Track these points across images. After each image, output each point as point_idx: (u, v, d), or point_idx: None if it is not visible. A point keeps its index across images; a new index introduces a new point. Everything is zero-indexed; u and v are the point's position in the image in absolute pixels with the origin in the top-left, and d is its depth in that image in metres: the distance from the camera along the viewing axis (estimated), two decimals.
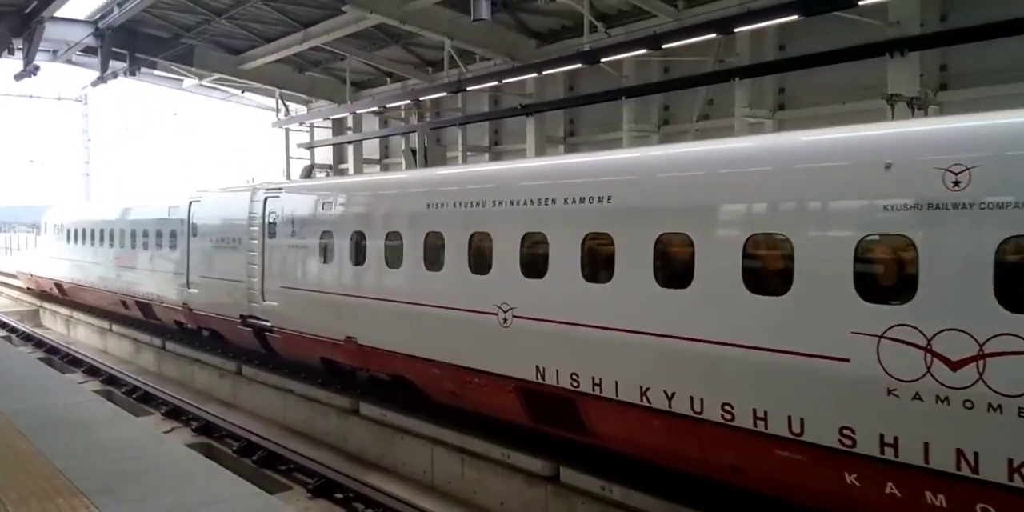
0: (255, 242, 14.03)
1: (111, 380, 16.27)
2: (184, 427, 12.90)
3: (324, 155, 30.45)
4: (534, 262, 8.76)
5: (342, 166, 29.78)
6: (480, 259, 9.45)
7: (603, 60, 16.34)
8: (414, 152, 20.27)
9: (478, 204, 9.54)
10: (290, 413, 13.16)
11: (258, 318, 13.95)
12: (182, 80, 30.47)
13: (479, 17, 14.53)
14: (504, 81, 19.02)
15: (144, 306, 18.82)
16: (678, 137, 17.99)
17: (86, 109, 46.52)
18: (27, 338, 21.61)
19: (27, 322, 24.79)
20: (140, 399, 14.67)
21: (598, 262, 8.18)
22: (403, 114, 26.05)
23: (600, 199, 8.05)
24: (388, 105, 24.10)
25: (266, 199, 13.94)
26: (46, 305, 26.14)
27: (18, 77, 23.10)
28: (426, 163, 19.56)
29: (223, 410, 13.92)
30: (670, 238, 7.50)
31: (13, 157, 77.53)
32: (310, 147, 30.22)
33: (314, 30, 22.04)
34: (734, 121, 16.12)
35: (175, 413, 13.53)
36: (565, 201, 8.39)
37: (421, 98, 22.55)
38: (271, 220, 13.72)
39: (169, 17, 23.69)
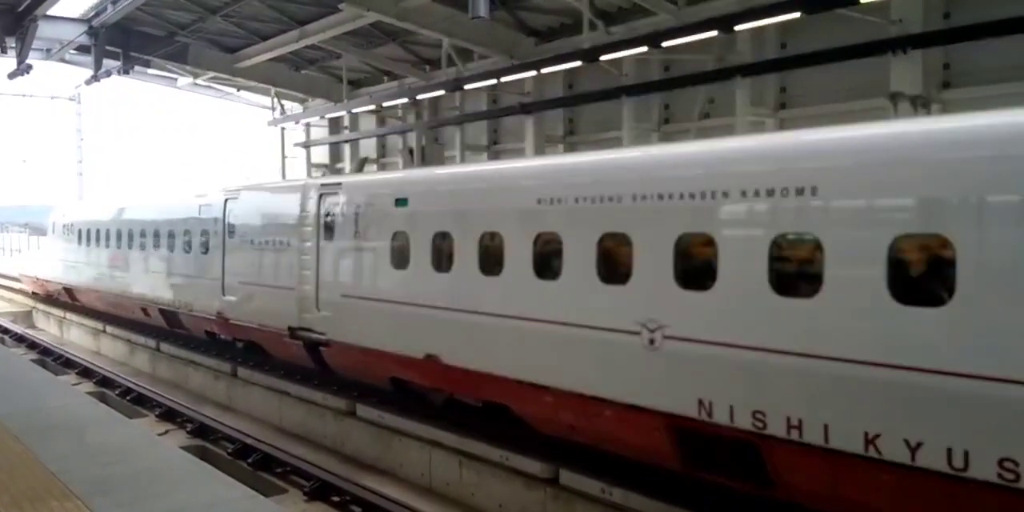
0: (308, 245, 12.47)
1: (105, 382, 16.09)
2: (179, 429, 12.76)
3: (320, 154, 30.37)
4: (695, 270, 7.25)
5: (338, 165, 29.72)
6: (614, 266, 7.94)
7: (603, 58, 16.26)
8: (411, 151, 20.19)
9: (611, 199, 7.97)
10: (286, 415, 13.02)
11: (311, 330, 12.43)
12: (176, 79, 30.42)
13: (477, 15, 14.37)
14: (502, 79, 18.93)
15: (169, 314, 17.21)
16: (679, 136, 17.93)
17: (79, 108, 46.41)
18: (20, 339, 21.41)
19: (20, 323, 24.61)
20: (134, 401, 14.50)
21: (795, 271, 6.72)
22: (400, 113, 25.96)
23: (800, 191, 6.51)
24: (385, 104, 24.04)
25: (321, 196, 12.36)
26: (39, 306, 25.96)
27: (11, 76, 23.05)
28: (423, 162, 19.43)
29: (218, 412, 13.76)
30: (914, 242, 6.06)
31: (5, 156, 77.16)
32: (306, 146, 30.16)
33: (310, 28, 21.96)
34: (735, 120, 16.06)
35: (170, 415, 13.39)
36: (743, 193, 6.86)
37: (419, 97, 22.45)
38: (327, 220, 12.18)
39: (163, 15, 23.60)
